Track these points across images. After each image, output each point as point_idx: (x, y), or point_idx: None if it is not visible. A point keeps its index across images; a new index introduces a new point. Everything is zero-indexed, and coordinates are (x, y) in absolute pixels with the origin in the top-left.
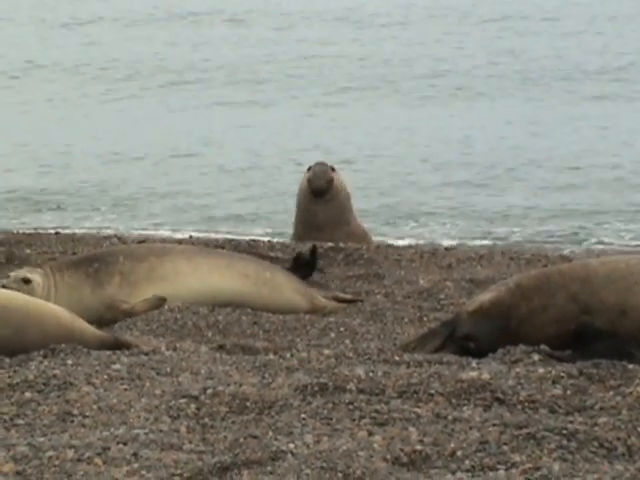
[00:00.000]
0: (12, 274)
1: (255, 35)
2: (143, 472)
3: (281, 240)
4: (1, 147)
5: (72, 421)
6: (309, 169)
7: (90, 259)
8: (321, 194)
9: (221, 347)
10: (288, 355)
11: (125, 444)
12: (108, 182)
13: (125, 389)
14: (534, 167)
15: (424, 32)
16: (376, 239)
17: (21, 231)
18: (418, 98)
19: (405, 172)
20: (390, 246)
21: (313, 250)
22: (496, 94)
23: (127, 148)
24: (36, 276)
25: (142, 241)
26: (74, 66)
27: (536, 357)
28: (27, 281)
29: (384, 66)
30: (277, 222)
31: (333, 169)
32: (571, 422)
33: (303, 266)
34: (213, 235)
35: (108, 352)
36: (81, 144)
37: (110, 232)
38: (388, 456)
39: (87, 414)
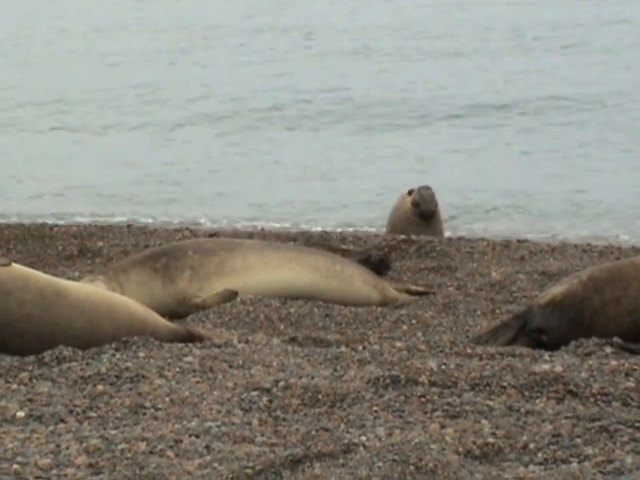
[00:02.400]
0: None
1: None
2: (215, 465)
3: (352, 231)
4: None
5: (144, 414)
6: (410, 192)
7: (157, 254)
8: (431, 217)
9: (293, 340)
10: (360, 348)
11: (197, 437)
12: (180, 178)
13: (197, 382)
14: (610, 160)
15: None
16: (448, 232)
17: (93, 224)
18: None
19: (477, 169)
20: (462, 238)
21: (384, 258)
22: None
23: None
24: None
25: (213, 234)
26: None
27: (609, 349)
28: None
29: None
30: (350, 214)
31: None
32: None
33: (371, 266)
34: (285, 227)
35: (180, 345)
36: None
37: (182, 222)
38: (460, 449)
39: (159, 407)
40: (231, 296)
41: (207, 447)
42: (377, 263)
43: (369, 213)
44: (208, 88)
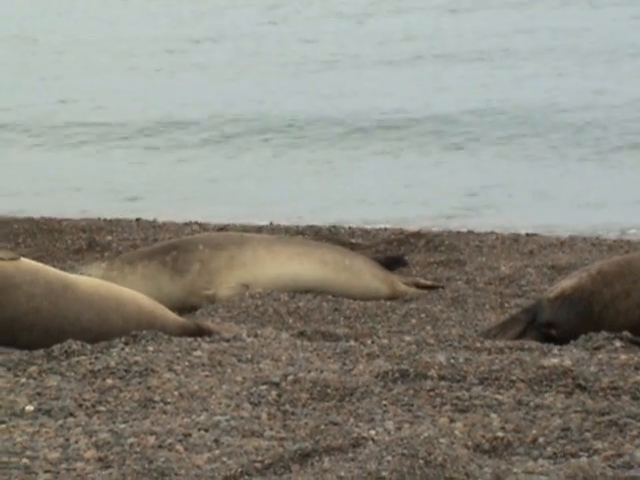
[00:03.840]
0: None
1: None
2: (224, 459)
3: (360, 226)
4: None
5: (153, 408)
6: None
7: (167, 248)
8: None
9: (302, 334)
10: (369, 342)
11: (206, 431)
12: (187, 173)
13: (206, 376)
14: (620, 153)
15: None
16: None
17: (102, 218)
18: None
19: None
20: (471, 232)
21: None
22: None
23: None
24: (93, 270)
25: (221, 228)
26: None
27: (618, 343)
28: None
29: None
30: (357, 210)
31: None
32: None
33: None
34: (294, 222)
35: (189, 339)
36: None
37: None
38: (469, 443)
39: (168, 401)
40: (242, 290)
41: (216, 441)
42: (392, 261)
43: (376, 210)
44: (213, 91)
